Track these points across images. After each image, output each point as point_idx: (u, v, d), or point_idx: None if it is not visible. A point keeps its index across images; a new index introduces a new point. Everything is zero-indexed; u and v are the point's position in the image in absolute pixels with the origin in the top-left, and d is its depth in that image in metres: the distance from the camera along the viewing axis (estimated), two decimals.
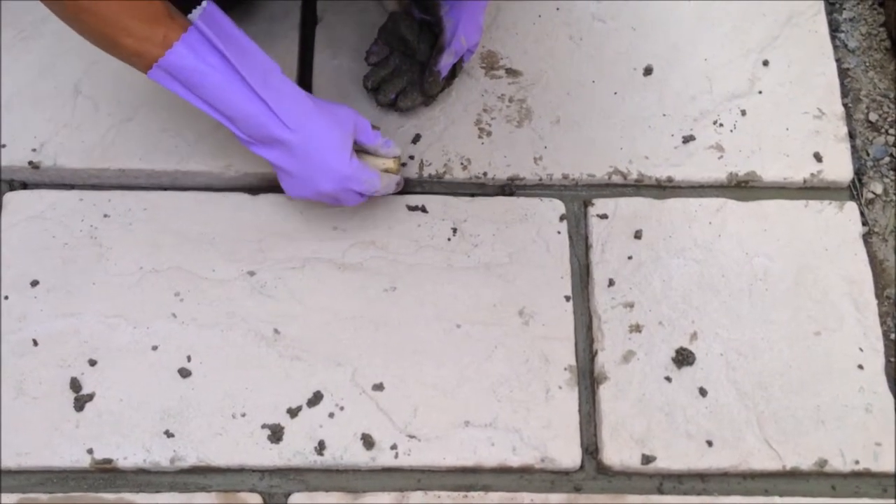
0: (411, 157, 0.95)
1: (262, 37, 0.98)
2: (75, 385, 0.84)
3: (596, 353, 0.88)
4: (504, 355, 0.87)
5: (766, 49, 1.01)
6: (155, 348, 0.86)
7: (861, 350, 0.88)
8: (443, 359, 0.87)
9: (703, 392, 0.86)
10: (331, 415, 0.84)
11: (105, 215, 0.92)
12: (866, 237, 0.94)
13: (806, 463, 0.84)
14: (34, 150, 0.93)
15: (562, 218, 0.93)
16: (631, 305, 0.89)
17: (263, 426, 0.84)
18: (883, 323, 0.90)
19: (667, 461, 0.83)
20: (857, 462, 0.84)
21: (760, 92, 0.99)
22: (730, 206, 0.94)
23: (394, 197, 0.93)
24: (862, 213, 0.95)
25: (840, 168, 0.96)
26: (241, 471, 0.83)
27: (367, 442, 0.83)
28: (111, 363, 0.85)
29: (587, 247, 0.93)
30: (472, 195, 0.94)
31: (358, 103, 0.96)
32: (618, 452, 0.84)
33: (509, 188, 0.95)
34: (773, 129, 0.97)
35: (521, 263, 0.91)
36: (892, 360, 0.89)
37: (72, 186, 0.94)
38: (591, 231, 0.93)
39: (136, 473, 0.83)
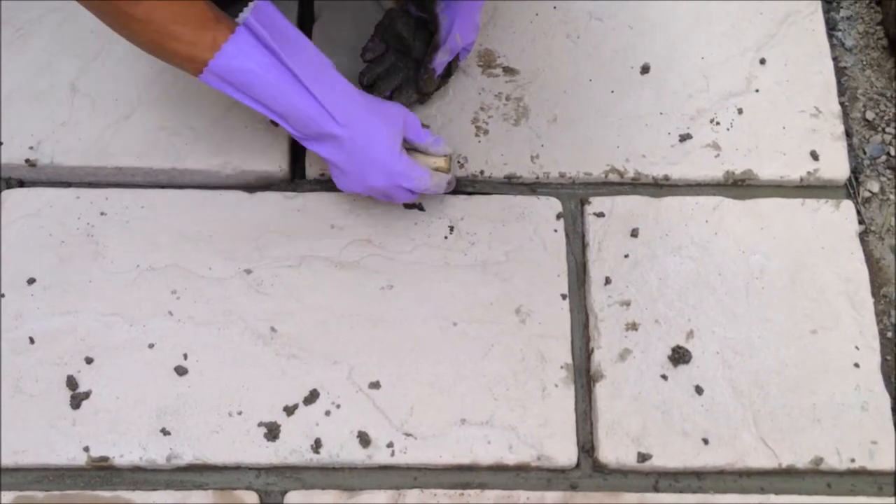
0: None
1: None
2: (72, 383, 0.84)
3: (592, 351, 0.88)
4: (500, 353, 0.87)
5: (763, 47, 1.01)
6: (151, 346, 0.86)
7: (857, 348, 0.88)
8: (439, 357, 0.87)
9: (699, 390, 0.86)
10: (327, 413, 0.84)
11: (102, 213, 0.92)
12: (863, 236, 0.94)
13: (802, 461, 0.84)
14: (31, 147, 0.93)
15: (558, 216, 0.93)
16: (627, 304, 0.89)
17: (260, 424, 0.84)
18: (879, 321, 0.90)
19: (663, 459, 0.83)
20: (852, 460, 0.84)
21: (757, 90, 0.99)
22: (726, 204, 0.94)
23: None
24: (858, 212, 0.95)
25: (837, 166, 0.96)
26: (237, 469, 0.83)
27: (364, 440, 0.83)
28: (108, 361, 0.86)
29: (584, 245, 0.93)
30: (469, 193, 0.94)
31: None
32: (614, 450, 0.84)
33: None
34: (770, 127, 0.97)
35: (518, 261, 0.91)
36: (889, 358, 0.89)
37: (69, 184, 0.94)
38: (588, 229, 0.93)
39: (132, 471, 0.83)
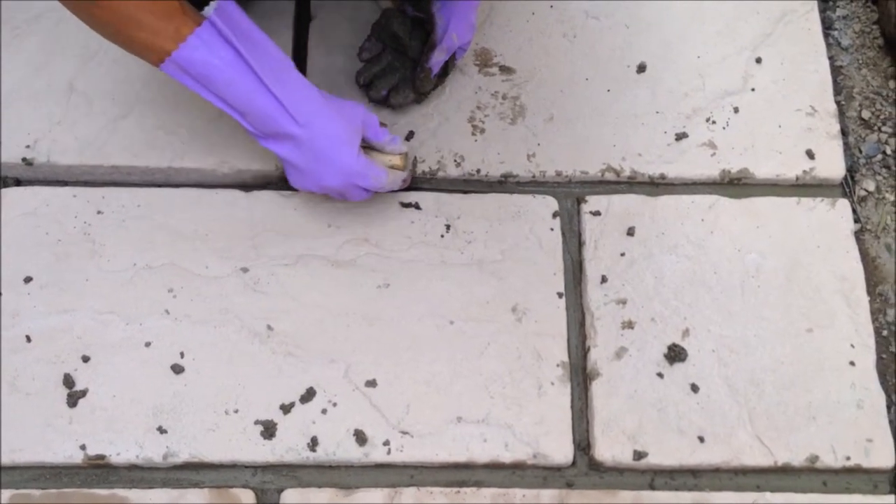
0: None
1: None
2: (68, 381, 0.84)
3: (588, 349, 0.88)
4: (497, 352, 0.87)
5: (759, 46, 1.01)
6: (148, 345, 0.86)
7: (853, 347, 0.88)
8: (436, 355, 0.87)
9: (694, 388, 0.86)
10: (323, 411, 0.84)
11: (99, 212, 0.92)
12: (858, 234, 0.94)
13: (797, 459, 0.84)
14: (28, 146, 0.93)
15: (555, 215, 0.93)
16: (623, 302, 0.89)
17: (256, 422, 0.84)
18: (875, 320, 0.90)
19: (658, 457, 0.84)
20: (848, 458, 0.84)
21: (753, 89, 0.99)
22: (722, 203, 0.94)
23: (387, 194, 0.93)
24: (854, 211, 0.95)
25: (832, 165, 0.96)
26: (233, 467, 0.83)
27: (360, 438, 0.83)
28: (104, 359, 0.86)
29: (580, 244, 0.93)
30: (466, 192, 0.94)
31: (351, 99, 0.96)
32: (610, 448, 0.84)
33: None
34: (766, 126, 0.97)
35: (514, 260, 0.91)
36: (884, 356, 0.89)
37: (65, 183, 0.94)
38: (584, 228, 0.93)
39: (128, 469, 0.83)
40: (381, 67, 0.94)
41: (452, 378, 0.86)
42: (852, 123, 1.00)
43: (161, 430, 0.83)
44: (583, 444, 0.85)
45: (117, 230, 0.91)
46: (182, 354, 0.86)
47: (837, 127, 0.98)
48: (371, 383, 0.85)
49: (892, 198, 0.97)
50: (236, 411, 0.84)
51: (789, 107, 0.98)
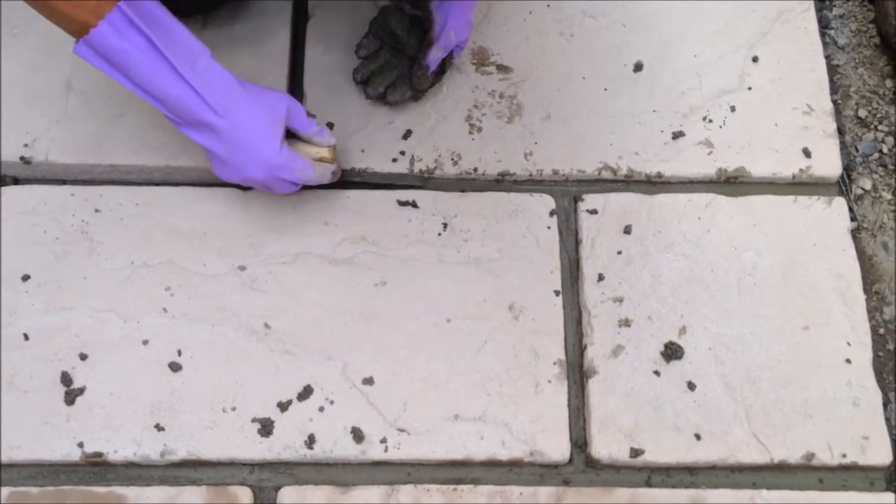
0: (402, 153, 0.95)
1: (254, 33, 0.99)
2: (66, 379, 0.85)
3: (585, 347, 0.88)
4: (494, 350, 0.87)
5: (756, 45, 1.02)
6: (146, 342, 0.86)
7: (849, 344, 0.88)
8: (433, 353, 0.87)
9: (691, 386, 0.86)
10: (321, 409, 0.84)
11: (96, 210, 0.92)
12: (855, 233, 0.95)
13: (794, 456, 0.84)
14: (26, 145, 0.93)
15: (552, 213, 0.93)
16: (620, 300, 0.90)
17: (253, 420, 0.84)
18: (871, 317, 0.91)
19: (655, 454, 0.84)
20: (844, 455, 0.84)
21: (750, 88, 0.99)
22: (719, 201, 0.94)
23: (384, 192, 0.93)
24: (851, 209, 0.95)
25: (829, 164, 0.96)
26: (231, 464, 0.84)
27: (357, 435, 0.83)
28: (102, 357, 0.86)
29: (577, 242, 0.93)
30: (463, 191, 0.95)
31: (348, 97, 0.97)
32: (606, 446, 0.84)
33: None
34: (763, 124, 0.98)
35: (511, 258, 0.91)
36: (880, 354, 0.89)
37: (63, 182, 0.94)
38: (581, 226, 0.93)
39: (126, 467, 0.83)
40: (379, 65, 0.94)
41: (449, 376, 0.86)
42: (849, 122, 1.01)
43: (158, 428, 0.83)
44: (579, 442, 0.85)
45: (115, 228, 0.91)
46: (179, 352, 0.86)
47: (834, 125, 0.98)
48: (368, 381, 0.86)
49: (888, 196, 0.97)
50: (234, 409, 0.84)
51: (786, 105, 0.99)
